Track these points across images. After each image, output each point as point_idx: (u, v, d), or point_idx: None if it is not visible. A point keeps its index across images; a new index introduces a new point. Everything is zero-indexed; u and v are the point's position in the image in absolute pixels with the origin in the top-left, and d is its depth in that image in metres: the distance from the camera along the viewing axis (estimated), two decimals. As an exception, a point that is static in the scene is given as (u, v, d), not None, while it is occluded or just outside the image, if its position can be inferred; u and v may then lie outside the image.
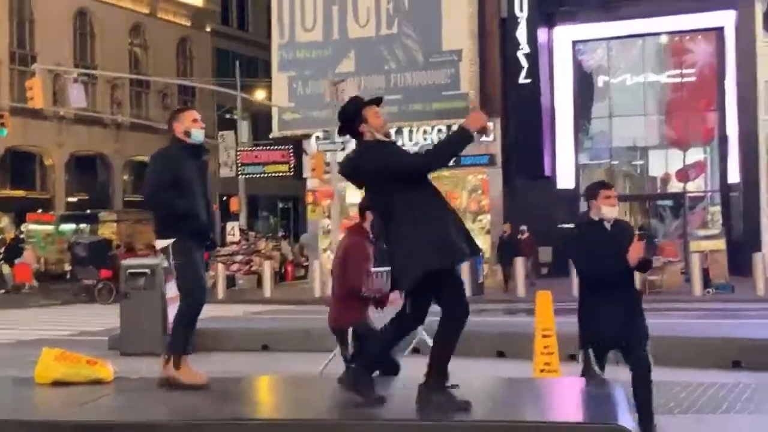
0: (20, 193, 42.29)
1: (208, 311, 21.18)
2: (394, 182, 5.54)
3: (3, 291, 31.76)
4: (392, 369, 7.28)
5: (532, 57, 31.61)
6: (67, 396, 6.46)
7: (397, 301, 7.03)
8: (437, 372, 5.51)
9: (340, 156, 30.96)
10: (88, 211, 40.97)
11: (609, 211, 6.92)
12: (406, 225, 5.47)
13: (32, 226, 40.59)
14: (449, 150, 5.72)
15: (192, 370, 6.57)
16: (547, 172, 32.01)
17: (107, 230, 37.44)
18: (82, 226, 41.25)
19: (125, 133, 45.27)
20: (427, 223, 5.46)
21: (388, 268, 5.73)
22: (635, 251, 6.77)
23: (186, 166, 6.63)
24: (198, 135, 6.77)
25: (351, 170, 5.88)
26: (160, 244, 6.64)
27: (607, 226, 6.92)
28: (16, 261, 33.17)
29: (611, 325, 6.72)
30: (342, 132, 5.97)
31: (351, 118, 5.86)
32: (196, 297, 6.68)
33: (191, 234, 6.62)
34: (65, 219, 41.47)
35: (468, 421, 5.35)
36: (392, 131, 27.17)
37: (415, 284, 5.42)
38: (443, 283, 5.47)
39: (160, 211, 6.59)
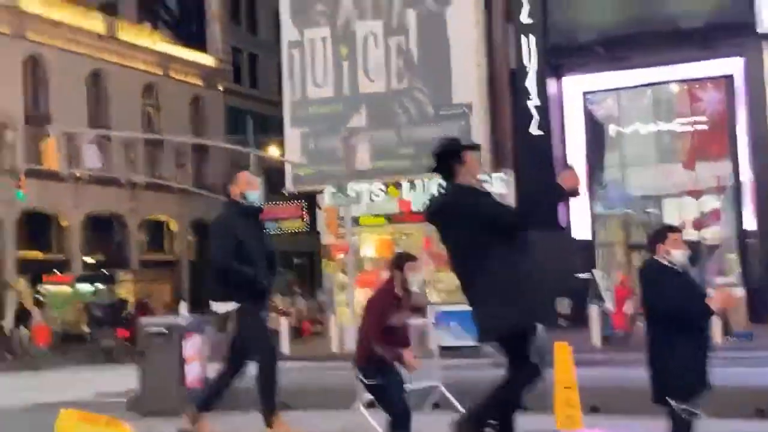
0: (37, 254, 42.42)
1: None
2: (484, 232, 5.47)
3: (12, 356, 31.56)
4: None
5: (543, 108, 31.70)
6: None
7: (412, 361, 7.04)
8: (476, 420, 5.48)
9: (354, 209, 31.19)
10: (105, 271, 41.04)
11: (678, 254, 6.77)
12: (499, 279, 5.46)
13: (49, 287, 40.67)
14: (543, 209, 5.74)
15: (286, 427, 6.63)
16: (562, 222, 31.96)
17: (124, 290, 37.48)
18: (99, 286, 41.32)
19: (140, 193, 45.51)
20: (519, 281, 5.47)
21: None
22: (720, 297, 6.69)
23: (244, 228, 6.74)
24: (253, 196, 6.92)
25: (438, 209, 5.81)
26: (221, 308, 6.71)
27: (679, 269, 6.78)
28: (34, 323, 33.12)
29: (705, 371, 6.53)
30: (435, 169, 5.84)
31: (449, 157, 5.76)
32: (270, 355, 6.75)
33: (255, 297, 6.71)
34: (82, 279, 41.53)
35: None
36: (406, 185, 27.14)
37: (498, 339, 5.43)
38: (523, 341, 5.47)
39: (226, 278, 6.69)
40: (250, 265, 6.61)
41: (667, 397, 6.54)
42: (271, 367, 6.64)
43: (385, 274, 7.93)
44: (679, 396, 6.53)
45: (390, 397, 7.23)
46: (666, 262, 6.76)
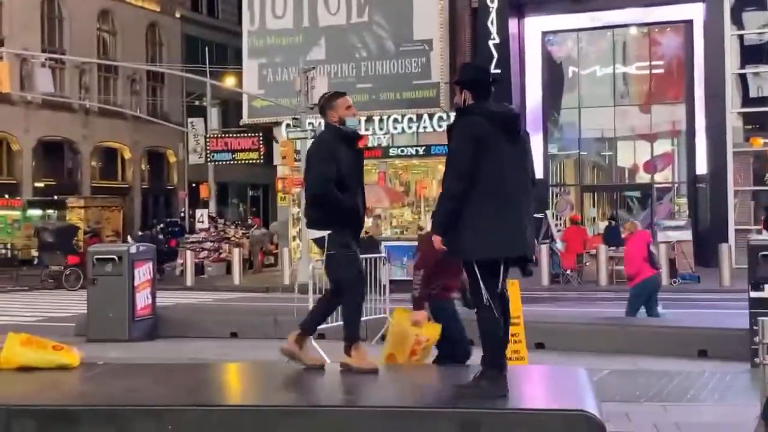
0: (-14, 178, 41.86)
1: (176, 298, 21.02)
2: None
3: None
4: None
5: (503, 47, 31.63)
6: (32, 381, 6.41)
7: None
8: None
9: (310, 143, 30.90)
10: (56, 197, 40.62)
11: None
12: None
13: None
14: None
15: (366, 357, 6.60)
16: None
17: (75, 216, 37.11)
18: (50, 212, 40.92)
19: (93, 119, 44.89)
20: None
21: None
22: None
23: (343, 156, 6.63)
24: (352, 121, 6.75)
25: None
26: (314, 234, 6.65)
27: None
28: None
29: None
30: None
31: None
32: (360, 285, 6.70)
33: (350, 226, 6.65)
34: (32, 205, 41.11)
35: (435, 408, 5.36)
36: (362, 119, 27.05)
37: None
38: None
39: (322, 204, 6.55)
40: (346, 192, 6.54)
41: None
42: (356, 296, 6.63)
43: None
44: None
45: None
46: None
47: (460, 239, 5.62)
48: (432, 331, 7.57)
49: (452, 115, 31.16)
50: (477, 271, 5.60)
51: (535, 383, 6.43)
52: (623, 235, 14.27)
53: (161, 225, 35.51)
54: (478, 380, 5.62)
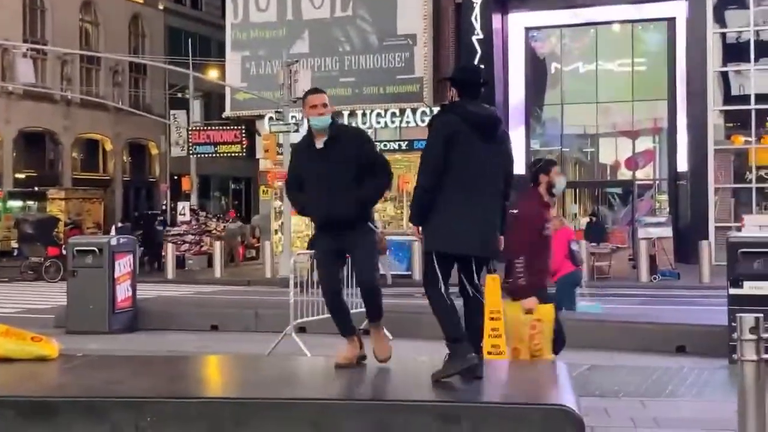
0: (-34, 169, 41.55)
1: (157, 291, 20.95)
2: None
3: None
4: None
5: (486, 43, 31.67)
6: (10, 372, 6.38)
7: None
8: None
9: (294, 137, 30.95)
10: (37, 188, 40.41)
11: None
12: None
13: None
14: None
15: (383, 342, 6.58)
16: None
17: (55, 208, 36.92)
18: (30, 203, 40.69)
19: (75, 110, 44.63)
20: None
21: None
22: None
23: (305, 157, 6.54)
24: (316, 122, 6.43)
25: None
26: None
27: None
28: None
29: None
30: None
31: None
32: (322, 286, 6.70)
33: (319, 228, 6.60)
34: (12, 195, 40.88)
35: (415, 401, 5.37)
36: (345, 113, 27.26)
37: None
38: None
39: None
40: (310, 192, 6.48)
41: None
42: (325, 296, 6.62)
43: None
44: None
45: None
46: None
47: (426, 230, 5.93)
48: (545, 312, 7.44)
49: (435, 110, 31.26)
50: (435, 261, 5.88)
51: (515, 377, 6.45)
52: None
53: (160, 217, 35.03)
54: (449, 361, 5.72)
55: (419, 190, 5.92)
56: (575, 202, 33.93)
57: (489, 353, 8.52)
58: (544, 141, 33.73)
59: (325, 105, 6.47)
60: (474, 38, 31.73)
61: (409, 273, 24.73)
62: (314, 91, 6.66)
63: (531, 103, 33.23)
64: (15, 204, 40.56)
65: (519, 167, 34.17)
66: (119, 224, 35.85)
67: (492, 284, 8.67)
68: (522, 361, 7.40)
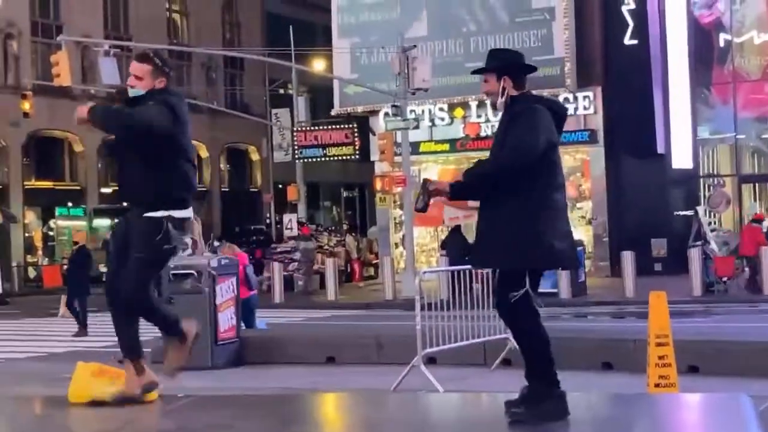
0: (47, 184, 42.95)
1: (263, 317, 21.22)
2: None
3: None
4: None
5: (639, 14, 31.24)
6: (104, 418, 6.54)
7: None
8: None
9: (412, 135, 31.13)
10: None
11: None
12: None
13: (60, 222, 41.26)
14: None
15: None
16: (660, 149, 31.62)
17: (147, 226, 37.84)
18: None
19: (165, 114, 45.70)
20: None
21: None
22: None
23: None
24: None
25: None
26: None
27: None
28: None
29: None
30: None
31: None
32: None
33: None
34: (98, 213, 42.00)
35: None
36: (474, 104, 27.24)
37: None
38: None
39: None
40: None
41: None
42: None
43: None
44: None
45: None
46: None
47: (515, 243, 5.79)
48: None
49: (580, 96, 30.95)
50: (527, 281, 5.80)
51: (687, 414, 6.33)
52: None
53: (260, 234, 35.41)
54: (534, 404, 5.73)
55: (496, 166, 5.94)
56: (756, 200, 33.14)
57: (657, 385, 8.40)
58: (714, 128, 33.08)
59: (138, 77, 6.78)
60: (624, 8, 31.34)
61: (555, 290, 24.50)
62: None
63: (696, 83, 32.61)
64: (101, 223, 41.60)
65: (686, 159, 33.67)
66: (215, 243, 36.53)
67: (657, 302, 8.56)
68: (696, 394, 7.26)
